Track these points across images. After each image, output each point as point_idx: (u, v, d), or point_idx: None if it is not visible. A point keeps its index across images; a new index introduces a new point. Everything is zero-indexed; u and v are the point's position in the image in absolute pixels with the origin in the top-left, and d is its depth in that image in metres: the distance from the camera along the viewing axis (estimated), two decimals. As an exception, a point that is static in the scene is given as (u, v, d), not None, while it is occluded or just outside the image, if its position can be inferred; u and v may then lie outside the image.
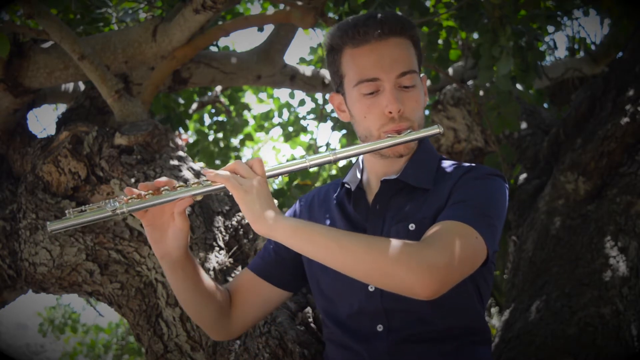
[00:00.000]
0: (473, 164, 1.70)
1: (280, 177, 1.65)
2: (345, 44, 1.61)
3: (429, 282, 1.38)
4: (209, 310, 1.70)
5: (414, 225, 1.59)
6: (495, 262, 1.60)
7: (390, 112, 1.59)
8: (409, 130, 1.60)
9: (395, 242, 1.43)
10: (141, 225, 2.40)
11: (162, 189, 1.56)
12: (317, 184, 4.79)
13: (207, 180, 1.55)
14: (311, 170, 1.81)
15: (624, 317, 2.52)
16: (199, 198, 1.58)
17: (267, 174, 1.56)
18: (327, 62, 1.70)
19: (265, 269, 1.78)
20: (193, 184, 1.56)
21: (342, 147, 6.95)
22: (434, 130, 1.59)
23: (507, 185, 1.66)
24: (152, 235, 1.62)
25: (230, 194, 1.51)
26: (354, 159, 1.86)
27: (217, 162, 5.78)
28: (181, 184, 1.58)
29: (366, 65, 1.59)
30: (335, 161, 1.59)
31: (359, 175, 1.75)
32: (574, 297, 2.57)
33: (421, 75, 1.68)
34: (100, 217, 1.54)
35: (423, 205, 1.62)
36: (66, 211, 1.56)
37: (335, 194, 1.78)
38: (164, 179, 1.57)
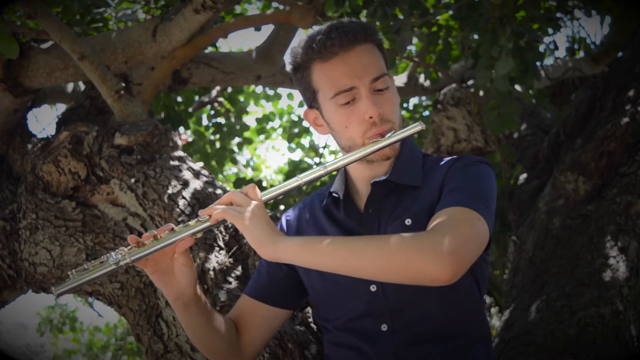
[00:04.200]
0: (458, 155, 1.73)
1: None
2: (313, 59, 1.63)
3: (447, 266, 1.40)
4: (221, 344, 1.71)
5: (410, 220, 1.61)
6: (490, 254, 1.62)
7: (371, 117, 1.61)
8: (392, 132, 1.62)
9: (405, 236, 1.45)
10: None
11: (162, 234, 1.56)
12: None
13: (205, 216, 1.55)
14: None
15: (624, 317, 2.52)
16: (199, 235, 1.58)
17: (262, 198, 1.58)
18: (295, 79, 1.72)
19: (261, 292, 1.78)
20: (191, 222, 1.56)
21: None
22: (417, 127, 1.63)
23: (493, 171, 1.69)
24: (161, 280, 1.62)
25: (231, 225, 1.50)
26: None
27: (213, 162, 5.78)
28: (180, 226, 1.57)
29: (339, 76, 1.61)
30: (327, 174, 1.61)
31: (343, 184, 1.76)
32: (574, 297, 2.57)
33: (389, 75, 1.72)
34: (104, 273, 1.52)
35: (416, 201, 1.64)
36: (69, 273, 1.53)
37: (322, 205, 1.78)
38: (164, 227, 1.58)
